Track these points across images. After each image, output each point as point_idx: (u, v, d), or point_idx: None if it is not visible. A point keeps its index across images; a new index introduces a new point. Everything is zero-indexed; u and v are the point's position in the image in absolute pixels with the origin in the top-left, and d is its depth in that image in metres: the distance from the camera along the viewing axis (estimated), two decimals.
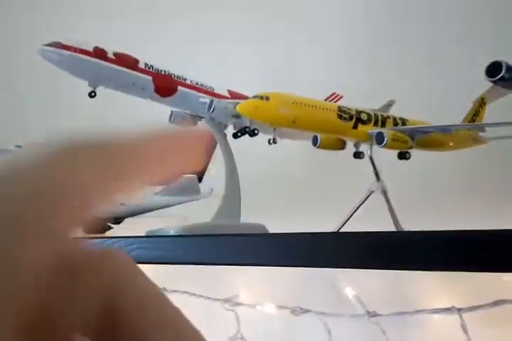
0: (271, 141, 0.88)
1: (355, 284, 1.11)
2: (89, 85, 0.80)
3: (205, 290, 1.19)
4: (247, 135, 0.99)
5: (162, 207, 1.02)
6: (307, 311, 1.17)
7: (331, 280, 1.21)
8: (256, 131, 0.91)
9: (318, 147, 0.91)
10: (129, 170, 0.14)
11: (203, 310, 1.18)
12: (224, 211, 0.89)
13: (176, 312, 0.13)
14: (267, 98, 0.82)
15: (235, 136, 0.98)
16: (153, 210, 1.02)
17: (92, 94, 0.80)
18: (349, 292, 1.10)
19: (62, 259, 0.12)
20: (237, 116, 0.89)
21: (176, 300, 0.14)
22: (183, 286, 1.12)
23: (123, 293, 0.13)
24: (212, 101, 0.86)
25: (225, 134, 0.97)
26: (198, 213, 1.14)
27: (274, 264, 0.61)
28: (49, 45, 0.79)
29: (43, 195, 0.12)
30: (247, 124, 0.91)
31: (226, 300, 1.28)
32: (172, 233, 0.73)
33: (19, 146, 1.25)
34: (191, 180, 0.99)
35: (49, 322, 0.12)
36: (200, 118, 1.05)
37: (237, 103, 0.88)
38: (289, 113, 0.81)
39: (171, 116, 1.04)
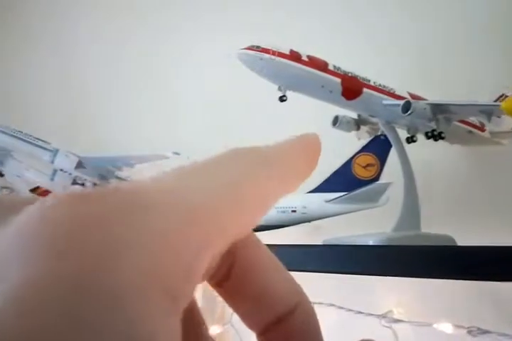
0: None
1: None
2: (279, 90, 0.79)
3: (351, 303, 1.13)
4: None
5: (332, 216, 0.98)
6: (485, 332, 1.07)
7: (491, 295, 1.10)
8: (442, 135, 0.85)
9: None
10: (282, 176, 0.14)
11: (354, 324, 1.12)
12: (405, 220, 0.84)
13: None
14: None
15: (410, 140, 0.92)
16: (322, 218, 0.99)
17: (283, 99, 0.78)
18: None
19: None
20: (431, 119, 0.83)
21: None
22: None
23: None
24: (408, 103, 0.81)
25: (400, 139, 0.92)
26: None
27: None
28: (248, 48, 0.79)
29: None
30: (434, 127, 0.84)
31: (383, 316, 1.21)
32: (372, 243, 0.68)
33: (176, 153, 1.28)
34: (381, 187, 0.94)
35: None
36: (366, 123, 1.00)
37: (431, 104, 0.82)
38: None
39: (335, 121, 1.00)
